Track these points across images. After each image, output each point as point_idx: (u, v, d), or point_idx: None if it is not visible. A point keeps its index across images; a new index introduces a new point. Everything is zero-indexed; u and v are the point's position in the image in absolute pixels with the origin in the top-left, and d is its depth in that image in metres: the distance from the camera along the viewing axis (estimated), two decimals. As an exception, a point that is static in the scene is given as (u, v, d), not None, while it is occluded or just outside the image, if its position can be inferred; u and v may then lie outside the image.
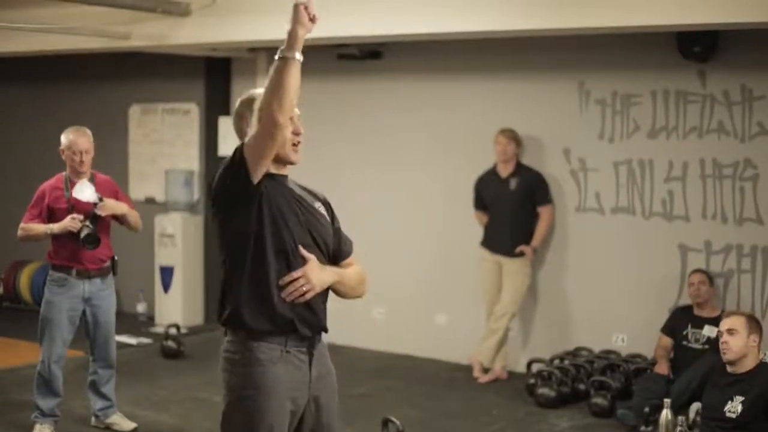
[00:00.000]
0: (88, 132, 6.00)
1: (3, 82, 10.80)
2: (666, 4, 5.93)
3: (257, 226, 3.28)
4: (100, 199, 5.86)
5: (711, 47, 6.92)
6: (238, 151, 3.24)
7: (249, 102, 3.40)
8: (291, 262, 3.30)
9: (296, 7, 3.12)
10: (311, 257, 3.32)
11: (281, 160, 3.36)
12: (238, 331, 3.33)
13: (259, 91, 3.35)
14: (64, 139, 5.94)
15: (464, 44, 7.69)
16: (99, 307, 5.97)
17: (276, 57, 3.12)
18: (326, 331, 3.45)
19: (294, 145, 3.37)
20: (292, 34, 3.12)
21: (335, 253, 3.49)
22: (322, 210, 3.49)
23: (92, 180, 6.01)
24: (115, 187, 6.15)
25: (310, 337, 3.37)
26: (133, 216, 6.08)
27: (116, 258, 6.09)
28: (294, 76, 3.12)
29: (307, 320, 3.33)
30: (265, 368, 3.27)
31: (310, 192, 3.52)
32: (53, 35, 8.02)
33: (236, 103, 3.52)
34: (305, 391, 3.36)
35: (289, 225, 3.31)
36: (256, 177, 3.24)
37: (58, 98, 10.51)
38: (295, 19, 3.13)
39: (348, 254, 3.54)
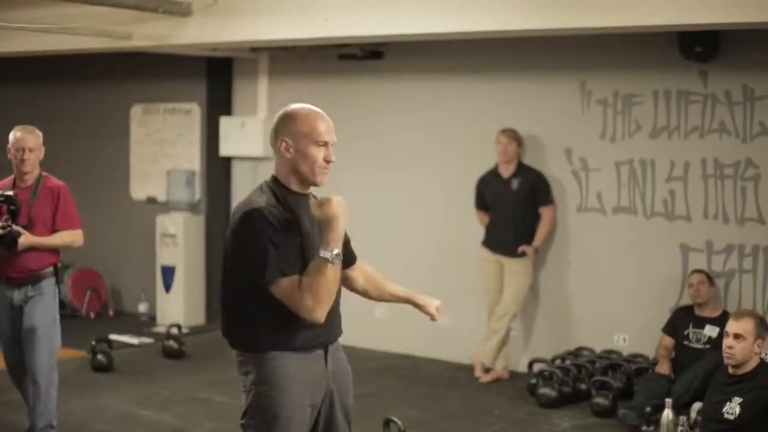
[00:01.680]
0: (38, 132, 5.62)
1: (3, 82, 10.81)
2: (667, 4, 5.92)
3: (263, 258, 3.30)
4: None
5: (712, 47, 6.92)
6: (268, 277, 3.23)
7: (285, 119, 3.36)
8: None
9: (340, 203, 3.24)
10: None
11: (306, 182, 3.40)
12: None
13: (296, 107, 3.39)
14: (11, 136, 5.59)
15: (466, 44, 7.69)
16: (26, 311, 5.58)
17: (320, 258, 3.20)
18: (340, 333, 3.54)
19: (324, 169, 3.40)
20: (335, 235, 3.22)
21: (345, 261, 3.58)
22: None
23: (39, 182, 5.61)
24: (60, 197, 5.62)
25: (324, 332, 3.42)
26: (59, 242, 5.62)
27: (60, 264, 5.68)
28: (337, 275, 3.24)
29: (312, 332, 3.37)
30: (277, 363, 3.32)
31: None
32: (55, 35, 8.02)
33: (275, 118, 3.45)
34: (323, 384, 3.41)
35: (304, 245, 3.33)
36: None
37: (60, 98, 10.52)
38: (340, 220, 3.24)
39: (354, 261, 3.72)
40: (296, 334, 3.32)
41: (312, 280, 3.19)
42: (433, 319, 3.81)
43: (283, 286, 3.23)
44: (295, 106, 3.41)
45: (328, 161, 3.38)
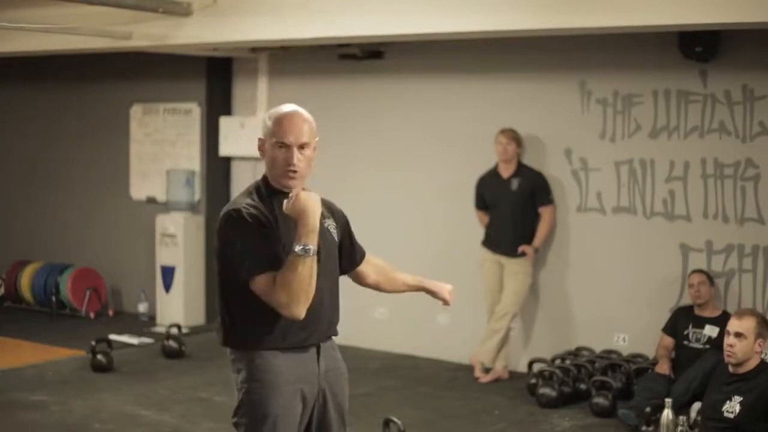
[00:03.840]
0: None
1: (3, 82, 10.81)
2: (667, 4, 5.92)
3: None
4: None
5: (712, 47, 6.92)
6: (245, 275, 3.25)
7: (266, 119, 3.37)
8: None
9: (310, 196, 3.20)
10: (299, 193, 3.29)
11: (277, 182, 3.37)
12: None
13: (281, 106, 3.37)
14: None
15: (465, 44, 7.69)
16: None
17: (292, 254, 3.16)
18: (334, 334, 3.51)
19: (285, 171, 3.33)
20: (305, 230, 3.17)
21: (350, 258, 3.62)
22: (332, 228, 3.51)
23: None
24: None
25: (313, 333, 3.39)
26: None
27: None
28: (311, 269, 3.17)
29: (304, 328, 3.35)
30: (267, 361, 3.31)
31: (324, 207, 3.44)
32: (54, 35, 8.02)
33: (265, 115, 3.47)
34: (315, 382, 3.39)
35: (283, 242, 3.30)
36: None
37: (60, 98, 10.53)
38: (310, 213, 3.18)
39: (363, 257, 3.70)
40: (283, 333, 3.30)
41: (285, 276, 3.16)
42: (446, 303, 3.83)
43: (260, 283, 3.22)
44: (282, 105, 3.40)
45: (287, 163, 3.30)
